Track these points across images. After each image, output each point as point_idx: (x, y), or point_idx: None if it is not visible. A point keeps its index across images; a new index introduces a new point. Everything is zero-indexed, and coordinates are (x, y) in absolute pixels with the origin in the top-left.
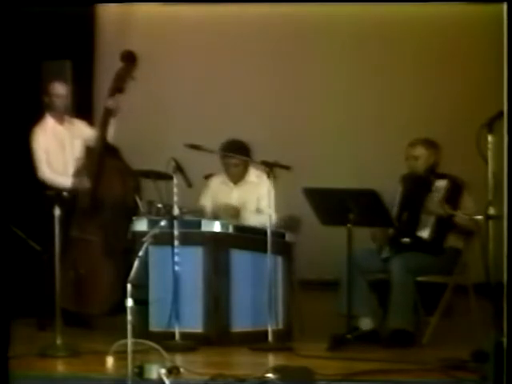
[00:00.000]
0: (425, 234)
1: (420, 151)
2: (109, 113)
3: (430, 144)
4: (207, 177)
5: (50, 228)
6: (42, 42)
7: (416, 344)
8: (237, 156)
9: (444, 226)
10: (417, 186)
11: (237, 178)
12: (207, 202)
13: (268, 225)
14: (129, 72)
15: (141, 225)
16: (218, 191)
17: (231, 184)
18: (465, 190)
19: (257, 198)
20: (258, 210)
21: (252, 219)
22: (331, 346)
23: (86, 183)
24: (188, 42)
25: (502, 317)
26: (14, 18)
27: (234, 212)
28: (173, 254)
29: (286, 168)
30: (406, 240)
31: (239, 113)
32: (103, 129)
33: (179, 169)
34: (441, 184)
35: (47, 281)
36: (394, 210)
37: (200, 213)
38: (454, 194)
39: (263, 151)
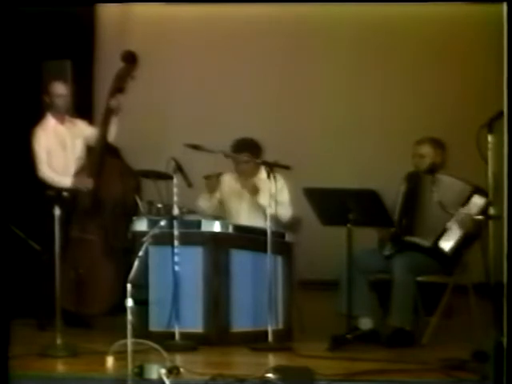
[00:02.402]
0: (447, 246)
1: (427, 149)
2: (110, 112)
3: (438, 143)
4: (207, 177)
5: (50, 228)
6: (42, 42)
7: (416, 344)
8: (237, 156)
9: (467, 242)
10: (421, 184)
11: (247, 174)
12: (216, 199)
13: (268, 225)
14: (129, 72)
15: (141, 225)
16: (228, 187)
17: (243, 181)
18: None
19: (270, 195)
20: (279, 202)
21: (265, 202)
22: (331, 346)
23: (88, 183)
24: (188, 41)
25: (502, 317)
26: (14, 18)
27: (254, 187)
28: (173, 254)
29: (286, 168)
30: (427, 244)
31: (239, 113)
32: (104, 128)
33: (179, 169)
34: (479, 201)
35: (47, 281)
36: (397, 208)
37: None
38: (485, 212)
39: (263, 151)
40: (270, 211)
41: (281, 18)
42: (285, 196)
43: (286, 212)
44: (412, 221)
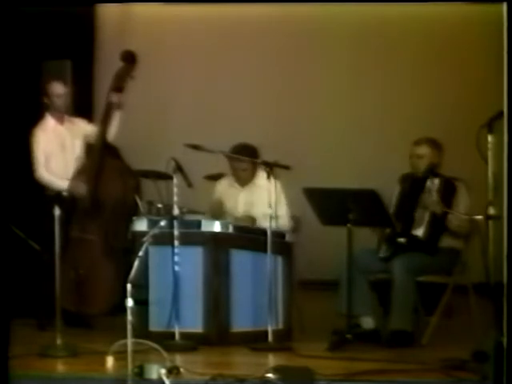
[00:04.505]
0: (419, 232)
1: (425, 150)
2: (110, 108)
3: (435, 144)
4: (207, 177)
5: (50, 228)
6: (42, 42)
7: (416, 344)
8: (238, 157)
9: (438, 224)
10: (414, 186)
11: (245, 181)
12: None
13: (268, 225)
14: (128, 72)
15: (141, 225)
16: (226, 193)
17: (239, 187)
18: (458, 191)
19: (267, 203)
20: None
21: (266, 224)
22: (331, 346)
23: (83, 189)
24: (188, 41)
25: (502, 317)
26: (14, 18)
27: (252, 222)
28: (173, 254)
29: (286, 168)
30: (402, 240)
31: (239, 113)
32: (104, 127)
33: (179, 169)
34: (434, 182)
35: (47, 281)
36: (391, 210)
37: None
38: (447, 195)
39: (263, 151)
40: (270, 211)
41: (281, 18)
42: (283, 208)
43: (284, 224)
44: (406, 222)
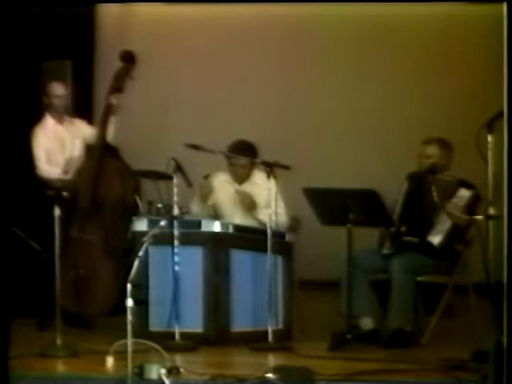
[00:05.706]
0: (436, 240)
1: (434, 150)
2: (109, 109)
3: (445, 145)
4: (207, 177)
5: (50, 228)
6: (42, 42)
7: (416, 344)
8: (238, 156)
9: (456, 235)
10: (421, 185)
11: (242, 178)
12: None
13: (268, 225)
14: (128, 72)
15: (141, 225)
16: (221, 189)
17: (236, 184)
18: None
19: (263, 200)
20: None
21: (264, 216)
22: (331, 346)
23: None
24: (188, 42)
25: (502, 317)
26: (14, 18)
27: (251, 202)
28: (173, 254)
29: (286, 168)
30: (414, 239)
31: (239, 113)
32: (103, 128)
33: (179, 169)
34: (466, 194)
35: (47, 281)
36: (398, 208)
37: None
38: (473, 206)
39: (263, 151)
40: (270, 211)
41: (281, 18)
42: (280, 206)
43: (282, 221)
44: (412, 221)
